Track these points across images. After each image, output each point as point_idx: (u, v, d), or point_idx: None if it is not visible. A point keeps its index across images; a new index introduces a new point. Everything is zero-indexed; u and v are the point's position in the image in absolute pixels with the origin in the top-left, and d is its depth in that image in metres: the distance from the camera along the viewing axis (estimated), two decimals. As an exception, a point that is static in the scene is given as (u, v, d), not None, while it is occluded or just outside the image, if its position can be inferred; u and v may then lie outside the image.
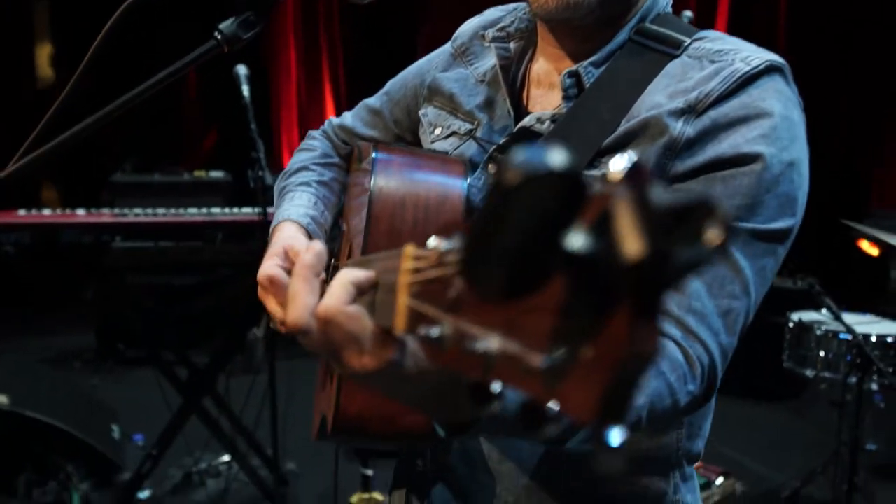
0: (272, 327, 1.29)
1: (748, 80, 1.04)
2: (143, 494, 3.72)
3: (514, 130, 1.18)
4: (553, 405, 0.44)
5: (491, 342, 0.44)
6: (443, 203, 1.10)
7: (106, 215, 3.41)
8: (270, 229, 1.48)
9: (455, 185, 1.12)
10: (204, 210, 3.66)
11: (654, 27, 1.15)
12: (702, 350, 0.98)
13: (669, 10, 1.20)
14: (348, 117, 1.59)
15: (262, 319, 4.57)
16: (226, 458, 3.95)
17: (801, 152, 1.05)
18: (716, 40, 1.12)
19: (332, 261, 1.41)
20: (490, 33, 1.31)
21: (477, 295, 0.43)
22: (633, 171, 0.34)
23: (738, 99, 1.04)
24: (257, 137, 3.26)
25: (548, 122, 1.16)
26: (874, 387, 3.69)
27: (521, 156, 0.34)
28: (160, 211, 3.55)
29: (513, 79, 1.27)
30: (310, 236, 1.43)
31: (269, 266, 1.31)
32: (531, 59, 1.28)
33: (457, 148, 1.28)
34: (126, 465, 3.70)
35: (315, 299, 0.73)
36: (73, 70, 1.10)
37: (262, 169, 3.24)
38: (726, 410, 1.95)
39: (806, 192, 1.06)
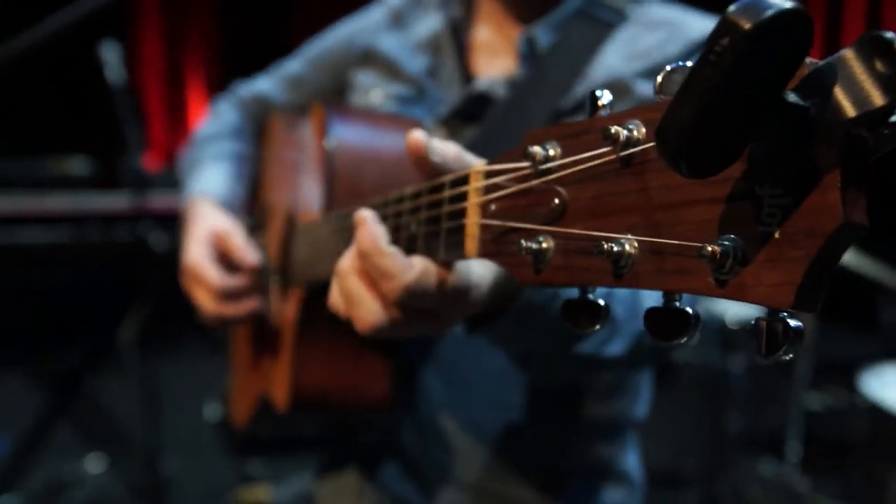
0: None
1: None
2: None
3: (471, 94, 1.15)
4: (691, 308, 0.41)
5: (626, 242, 0.41)
6: (402, 160, 1.04)
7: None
8: (184, 203, 1.38)
9: None
10: (69, 199, 3.39)
11: None
12: None
13: None
14: (263, 84, 1.50)
15: (129, 319, 4.29)
16: (98, 461, 3.69)
17: None
18: (661, 7, 1.15)
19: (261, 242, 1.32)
20: None
21: (655, 181, 0.39)
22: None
23: None
24: (132, 121, 3.03)
25: (500, 87, 1.14)
26: (737, 368, 3.90)
27: (745, 3, 0.31)
28: (20, 201, 3.26)
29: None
30: (229, 213, 1.34)
31: (204, 256, 1.21)
32: (471, 26, 1.25)
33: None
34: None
35: (377, 291, 0.67)
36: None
37: (135, 155, 3.03)
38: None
39: None
